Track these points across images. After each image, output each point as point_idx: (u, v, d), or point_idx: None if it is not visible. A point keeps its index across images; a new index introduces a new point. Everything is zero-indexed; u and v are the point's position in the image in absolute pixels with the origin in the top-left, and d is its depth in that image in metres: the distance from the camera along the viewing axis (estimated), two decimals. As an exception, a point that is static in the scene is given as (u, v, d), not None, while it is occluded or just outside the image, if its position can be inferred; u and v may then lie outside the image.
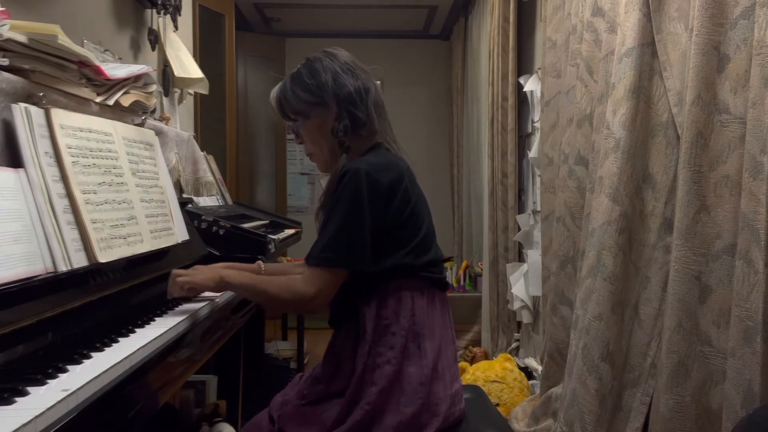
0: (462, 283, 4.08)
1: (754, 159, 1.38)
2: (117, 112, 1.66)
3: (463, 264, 4.21)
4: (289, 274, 1.49)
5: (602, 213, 1.87)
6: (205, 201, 2.64)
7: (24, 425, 0.76)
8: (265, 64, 4.99)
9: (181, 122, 2.89)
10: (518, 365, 3.01)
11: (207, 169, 2.57)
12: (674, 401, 1.60)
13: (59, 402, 0.83)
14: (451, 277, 4.17)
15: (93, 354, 1.04)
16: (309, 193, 5.55)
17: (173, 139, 2.27)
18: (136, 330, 1.21)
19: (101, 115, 1.55)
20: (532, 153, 2.95)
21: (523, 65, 3.35)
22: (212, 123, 3.49)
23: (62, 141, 1.26)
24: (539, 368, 2.71)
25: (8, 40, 1.25)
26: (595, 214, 1.91)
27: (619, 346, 1.86)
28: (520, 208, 3.37)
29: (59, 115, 1.29)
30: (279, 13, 4.91)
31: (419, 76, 5.49)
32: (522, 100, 3.31)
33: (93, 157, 1.37)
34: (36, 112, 1.23)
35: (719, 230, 1.55)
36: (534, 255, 2.92)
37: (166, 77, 2.63)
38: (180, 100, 2.89)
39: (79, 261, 1.21)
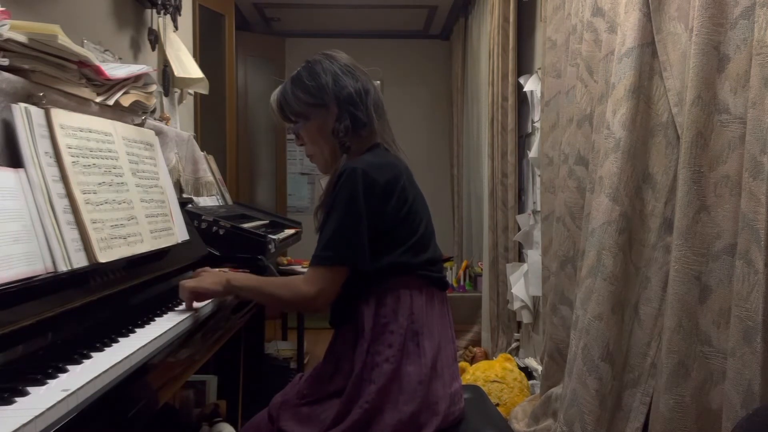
0: (462, 283, 4.08)
1: (754, 159, 1.38)
2: (117, 112, 1.66)
3: (463, 264, 4.21)
4: None
5: (602, 213, 1.87)
6: (205, 201, 2.64)
7: (24, 425, 0.76)
8: (265, 64, 5.00)
9: (181, 122, 2.89)
10: (518, 365, 3.01)
11: (207, 169, 2.57)
12: (674, 401, 1.60)
13: (59, 402, 0.83)
14: (451, 277, 4.17)
15: (93, 354, 1.04)
16: (309, 193, 5.55)
17: (173, 139, 2.27)
18: (136, 330, 1.21)
19: (101, 115, 1.55)
20: (532, 153, 2.95)
21: (523, 65, 3.35)
22: (212, 123, 3.49)
23: (62, 141, 1.26)
24: (539, 368, 2.71)
25: (8, 40, 1.25)
26: (595, 214, 1.91)
27: (619, 346, 1.86)
28: (520, 208, 3.37)
29: (59, 115, 1.29)
30: (279, 13, 4.91)
31: (419, 76, 5.49)
32: (522, 100, 3.31)
33: (93, 157, 1.37)
34: (36, 112, 1.23)
35: (719, 230, 1.55)
36: (534, 255, 2.92)
37: (166, 77, 2.63)
38: (180, 100, 2.89)
39: (79, 261, 1.21)
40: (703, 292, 1.58)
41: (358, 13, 4.89)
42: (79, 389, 0.88)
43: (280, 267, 3.48)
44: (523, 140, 3.38)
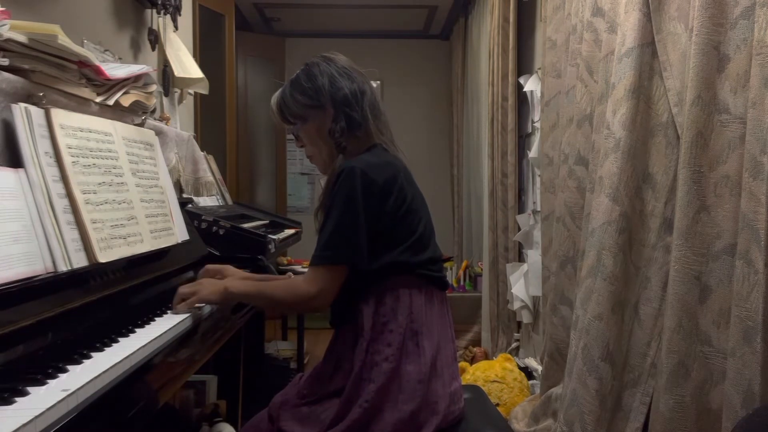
0: (462, 283, 4.08)
1: (754, 159, 1.38)
2: (117, 112, 1.66)
3: (463, 264, 4.21)
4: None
5: (602, 213, 1.87)
6: (205, 201, 2.64)
7: (24, 425, 0.76)
8: (265, 64, 5.00)
9: (181, 122, 2.89)
10: (518, 365, 3.01)
11: (207, 169, 2.57)
12: (674, 401, 1.60)
13: (59, 402, 0.83)
14: (451, 277, 4.17)
15: (93, 354, 1.04)
16: (309, 193, 5.55)
17: (173, 139, 2.27)
18: (136, 330, 1.21)
19: (101, 115, 1.55)
20: (532, 153, 2.95)
21: (523, 65, 3.35)
22: (212, 123, 3.49)
23: (62, 141, 1.26)
24: (539, 368, 2.71)
25: (8, 40, 1.25)
26: (595, 214, 1.91)
27: (619, 346, 1.86)
28: (520, 208, 3.37)
29: (59, 115, 1.29)
30: (279, 13, 4.91)
31: (419, 76, 5.49)
32: (522, 100, 3.31)
33: (93, 157, 1.37)
34: (36, 112, 1.23)
35: (719, 230, 1.55)
36: (534, 255, 2.92)
37: (166, 77, 2.63)
38: (180, 100, 2.89)
39: (79, 261, 1.21)
40: (703, 292, 1.58)
41: (358, 13, 4.89)
42: (79, 389, 0.88)
43: (280, 267, 3.48)
44: (523, 140, 3.37)
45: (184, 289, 1.38)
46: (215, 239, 2.10)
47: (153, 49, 2.60)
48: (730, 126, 1.52)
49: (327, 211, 1.30)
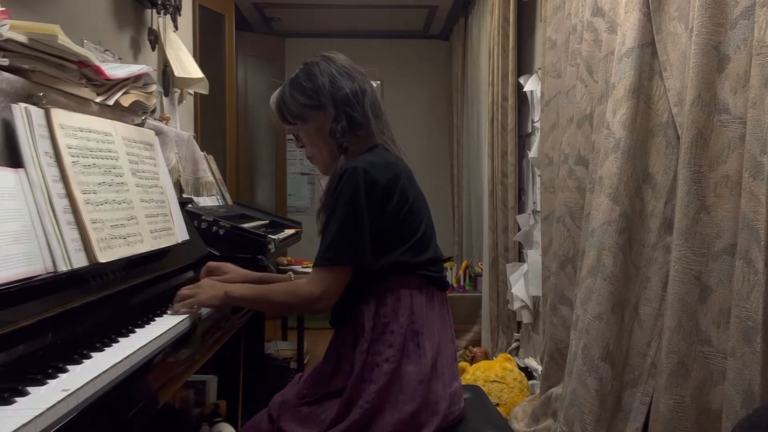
0: (462, 283, 4.08)
1: (754, 159, 1.38)
2: (117, 112, 1.66)
3: (463, 264, 4.21)
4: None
5: (602, 213, 1.87)
6: (205, 201, 2.64)
7: (24, 425, 0.76)
8: (265, 64, 4.99)
9: (181, 122, 2.89)
10: (518, 365, 3.01)
11: (207, 169, 2.57)
12: (674, 401, 1.60)
13: (59, 402, 0.83)
14: (451, 277, 4.17)
15: (93, 354, 1.04)
16: (309, 193, 5.55)
17: (173, 139, 2.27)
18: (136, 330, 1.21)
19: (101, 115, 1.55)
20: (532, 153, 2.95)
21: (523, 65, 3.35)
22: (212, 123, 3.49)
23: (62, 141, 1.26)
24: (539, 368, 2.71)
25: (8, 40, 1.25)
26: (595, 214, 1.91)
27: (619, 346, 1.86)
28: (520, 208, 3.37)
29: (59, 115, 1.29)
30: (279, 13, 4.91)
31: (419, 76, 5.49)
32: (522, 100, 3.31)
33: (93, 157, 1.37)
34: (36, 112, 1.23)
35: (719, 230, 1.55)
36: (534, 255, 2.92)
37: (166, 77, 2.63)
38: (180, 100, 2.89)
39: (79, 261, 1.21)
40: (703, 292, 1.58)
41: (358, 13, 4.89)
42: (79, 389, 0.88)
43: (280, 267, 3.48)
44: (523, 140, 3.37)
45: (184, 291, 1.38)
46: (215, 239, 2.10)
47: (153, 49, 2.60)
48: (730, 126, 1.52)
49: (329, 211, 1.30)
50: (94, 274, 1.27)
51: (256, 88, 4.88)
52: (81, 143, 1.34)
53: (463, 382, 1.63)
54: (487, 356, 3.51)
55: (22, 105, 1.20)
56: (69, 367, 0.96)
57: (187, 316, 1.35)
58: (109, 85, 1.61)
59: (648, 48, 1.79)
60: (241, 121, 4.51)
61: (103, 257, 1.27)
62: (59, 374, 0.93)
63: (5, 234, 1.05)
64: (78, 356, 1.01)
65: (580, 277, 2.02)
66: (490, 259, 3.55)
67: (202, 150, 2.62)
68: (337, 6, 4.68)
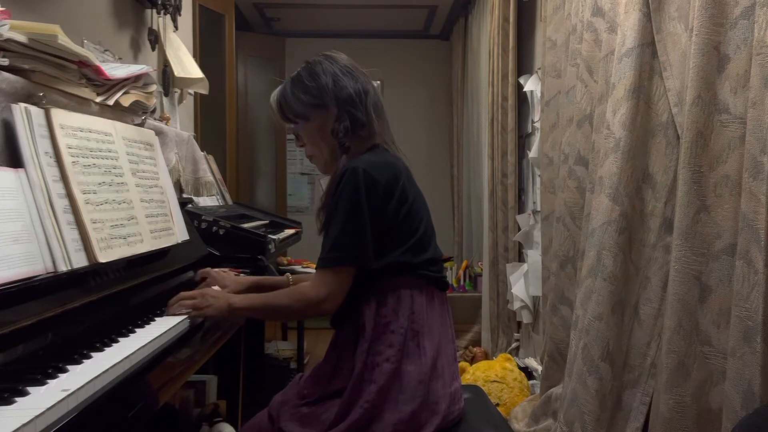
0: (462, 283, 4.08)
1: (754, 159, 1.38)
2: (117, 112, 1.66)
3: (463, 264, 4.21)
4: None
5: (602, 213, 1.87)
6: (205, 201, 2.64)
7: (24, 425, 0.76)
8: (265, 64, 4.99)
9: (181, 122, 2.89)
10: (518, 365, 3.01)
11: (207, 169, 2.57)
12: (674, 401, 1.60)
13: (59, 402, 0.83)
14: (451, 277, 4.17)
15: (93, 354, 1.04)
16: (309, 193, 5.55)
17: (173, 139, 2.27)
18: (136, 330, 1.21)
19: (101, 115, 1.55)
20: (532, 153, 2.94)
21: (523, 65, 3.35)
22: (212, 123, 3.49)
23: (62, 141, 1.26)
24: (539, 368, 2.71)
25: (8, 40, 1.25)
26: (595, 214, 1.91)
27: (619, 346, 1.86)
28: (520, 208, 3.37)
29: (59, 115, 1.29)
30: (279, 13, 4.91)
31: (419, 76, 5.49)
32: (522, 100, 3.31)
33: (93, 157, 1.37)
34: (36, 112, 1.23)
35: (719, 230, 1.55)
36: (534, 255, 2.92)
37: (166, 77, 2.63)
38: (180, 100, 2.89)
39: (79, 261, 1.21)
40: (703, 292, 1.58)
41: (358, 13, 4.89)
42: (79, 389, 0.88)
43: (280, 267, 3.48)
44: (523, 140, 3.38)
45: (186, 300, 1.36)
46: (215, 239, 2.10)
47: (153, 49, 2.60)
48: (730, 126, 1.52)
49: (330, 212, 1.29)
50: (94, 274, 1.27)
51: (256, 88, 4.88)
52: (81, 143, 1.34)
53: (463, 382, 1.63)
54: (487, 356, 3.51)
55: (22, 105, 1.20)
56: (69, 367, 0.96)
57: (187, 316, 1.35)
58: (109, 85, 1.61)
59: (648, 48, 1.79)
60: (241, 121, 4.51)
61: (103, 257, 1.26)
62: (59, 374, 0.93)
63: (5, 234, 1.05)
64: (78, 356, 1.01)
65: (580, 277, 2.02)
66: (490, 259, 3.55)
67: (202, 150, 2.62)
68: (337, 6, 4.68)
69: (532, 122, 3.15)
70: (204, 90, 2.89)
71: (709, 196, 1.56)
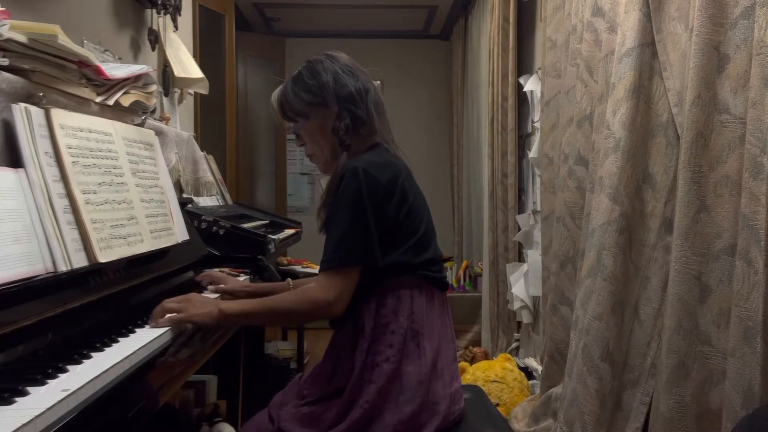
0: (462, 283, 4.08)
1: (754, 159, 1.38)
2: (117, 112, 1.66)
3: (463, 264, 4.21)
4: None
5: (602, 213, 1.87)
6: (205, 201, 2.64)
7: (24, 425, 0.76)
8: (265, 64, 4.99)
9: (181, 122, 2.89)
10: (518, 365, 3.01)
11: (207, 169, 2.57)
12: (674, 401, 1.60)
13: (59, 402, 0.83)
14: (451, 277, 4.17)
15: (93, 354, 1.04)
16: (309, 193, 5.55)
17: (173, 139, 2.27)
18: (136, 330, 1.21)
19: (101, 115, 1.55)
20: (532, 153, 2.95)
21: (523, 65, 3.35)
22: (212, 123, 3.49)
23: (62, 141, 1.26)
24: (539, 368, 2.71)
25: (8, 40, 1.25)
26: (595, 214, 1.91)
27: (619, 346, 1.86)
28: (520, 208, 3.37)
29: (59, 115, 1.29)
30: (279, 13, 4.91)
31: (419, 76, 5.49)
32: (522, 100, 3.31)
33: (93, 157, 1.37)
34: (36, 112, 1.23)
35: (719, 230, 1.55)
36: (534, 255, 2.92)
37: (166, 77, 2.63)
38: (180, 100, 2.89)
39: (79, 261, 1.21)
40: (703, 292, 1.58)
41: (358, 13, 4.89)
42: (79, 389, 0.88)
43: (280, 267, 3.48)
44: (523, 140, 3.38)
45: (170, 304, 1.27)
46: (215, 239, 2.10)
47: (153, 49, 2.60)
48: (730, 126, 1.52)
49: (331, 212, 1.29)
50: (94, 274, 1.27)
51: (256, 88, 4.88)
52: (81, 143, 1.34)
53: (463, 382, 1.63)
54: (487, 356, 3.51)
55: (22, 105, 1.20)
56: (69, 367, 0.96)
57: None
58: (109, 85, 1.61)
59: (648, 48, 1.79)
60: (241, 121, 4.51)
61: (103, 257, 1.26)
62: (59, 374, 0.93)
63: (5, 234, 1.05)
64: (78, 356, 1.01)
65: (580, 277, 2.02)
66: (490, 259, 3.55)
67: (202, 150, 2.62)
68: (337, 6, 4.68)
69: (532, 122, 3.15)
70: (204, 90, 2.89)
71: (709, 196, 1.56)
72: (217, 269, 1.86)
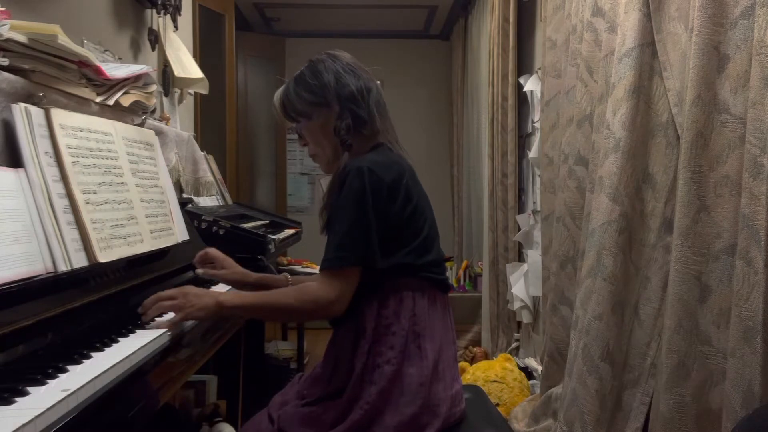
0: (462, 283, 4.08)
1: (754, 159, 1.38)
2: (117, 112, 1.66)
3: (463, 264, 4.21)
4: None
5: (602, 213, 1.87)
6: (205, 201, 2.64)
7: (24, 425, 0.76)
8: (265, 64, 4.99)
9: (181, 122, 2.89)
10: (518, 365, 3.01)
11: (207, 169, 2.57)
12: (674, 401, 1.60)
13: (59, 402, 0.83)
14: (451, 277, 4.17)
15: (93, 354, 1.04)
16: (309, 193, 5.55)
17: (173, 139, 2.27)
18: (136, 330, 1.21)
19: (101, 115, 1.55)
20: (532, 153, 2.95)
21: (523, 65, 3.35)
22: (212, 123, 3.49)
23: (62, 141, 1.26)
24: (539, 368, 2.71)
25: (8, 40, 1.25)
26: (595, 214, 1.91)
27: (619, 346, 1.86)
28: (520, 208, 3.37)
29: (59, 115, 1.29)
30: (279, 13, 4.91)
31: (419, 76, 5.49)
32: (522, 100, 3.31)
33: (93, 157, 1.37)
34: (36, 112, 1.23)
35: (719, 230, 1.55)
36: (534, 255, 2.92)
37: (166, 77, 2.63)
38: (180, 100, 2.89)
39: (79, 261, 1.21)
40: (703, 292, 1.58)
41: (358, 13, 4.89)
42: (79, 389, 0.88)
43: (280, 267, 3.48)
44: (523, 140, 3.38)
45: (164, 303, 1.25)
46: (215, 239, 2.10)
47: (153, 49, 2.60)
48: (730, 126, 1.52)
49: (334, 212, 1.28)
50: (94, 274, 1.27)
51: (256, 88, 4.88)
52: (81, 143, 1.34)
53: (463, 382, 1.62)
54: (487, 356, 3.51)
55: (22, 105, 1.20)
56: (69, 367, 0.96)
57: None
58: (109, 85, 1.61)
59: (648, 48, 1.79)
60: (241, 121, 4.51)
61: (103, 257, 1.26)
62: (59, 374, 0.93)
63: (5, 234, 1.05)
64: (78, 356, 1.01)
65: (580, 277, 2.02)
66: (490, 259, 3.55)
67: (202, 150, 2.62)
68: (337, 6, 4.68)
69: (532, 122, 3.15)
70: (204, 90, 2.89)
71: (709, 196, 1.56)
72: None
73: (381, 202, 1.25)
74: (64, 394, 0.85)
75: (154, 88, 1.85)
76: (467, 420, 1.36)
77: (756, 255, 1.35)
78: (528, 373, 2.97)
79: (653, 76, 1.80)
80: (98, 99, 1.56)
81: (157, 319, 1.28)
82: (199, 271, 1.56)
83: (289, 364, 3.52)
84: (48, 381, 0.90)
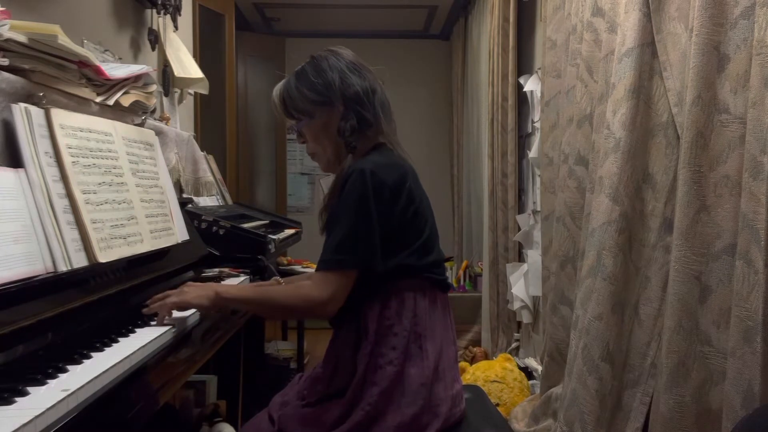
0: (462, 283, 4.08)
1: (754, 159, 1.38)
2: (117, 112, 1.66)
3: (463, 264, 4.21)
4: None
5: (602, 213, 1.87)
6: (205, 201, 2.64)
7: (24, 425, 0.76)
8: (265, 64, 4.99)
9: (181, 122, 2.89)
10: (518, 365, 3.01)
11: (207, 169, 2.57)
12: (674, 401, 1.60)
13: (59, 402, 0.83)
14: (451, 277, 4.17)
15: (93, 354, 1.04)
16: (309, 193, 5.55)
17: (173, 139, 2.27)
18: (136, 330, 1.21)
19: (101, 115, 1.55)
20: (532, 153, 2.94)
21: (523, 65, 3.35)
22: (212, 123, 3.49)
23: (62, 141, 1.26)
24: (539, 368, 2.71)
25: (8, 40, 1.25)
26: (595, 214, 1.91)
27: (619, 346, 1.86)
28: (520, 208, 3.37)
29: (59, 115, 1.29)
30: (279, 13, 4.91)
31: (419, 76, 5.49)
32: (522, 100, 3.31)
33: (93, 157, 1.37)
34: (36, 112, 1.23)
35: (719, 230, 1.55)
36: (534, 255, 2.92)
37: (166, 77, 2.63)
38: (180, 100, 2.89)
39: (79, 261, 1.21)
40: (703, 292, 1.58)
41: (358, 13, 4.89)
42: (79, 389, 0.88)
43: (280, 267, 3.48)
44: (523, 140, 3.37)
45: (170, 299, 1.27)
46: (215, 239, 2.10)
47: (153, 49, 2.60)
48: (730, 126, 1.52)
49: (335, 213, 1.27)
50: (94, 274, 1.27)
51: (256, 88, 4.88)
52: (81, 143, 1.34)
53: (463, 382, 1.63)
54: (487, 356, 3.51)
55: (22, 105, 1.20)
56: (69, 367, 0.96)
57: (191, 313, 1.33)
58: (109, 85, 1.61)
59: (648, 48, 1.79)
60: (241, 121, 4.51)
61: (103, 257, 1.26)
62: (59, 374, 0.93)
63: (5, 234, 1.05)
64: (78, 356, 1.01)
65: (580, 277, 2.02)
66: (490, 259, 3.55)
67: (202, 150, 2.62)
68: (337, 6, 4.68)
69: (532, 122, 3.15)
70: (204, 90, 2.89)
71: (709, 196, 1.56)
72: (216, 269, 1.85)
73: (383, 205, 1.24)
74: (64, 394, 0.85)
75: (154, 88, 1.85)
76: (467, 420, 1.36)
77: (756, 255, 1.35)
78: (528, 373, 2.97)
79: (653, 76, 1.80)
80: (98, 99, 1.56)
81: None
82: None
83: (289, 364, 3.52)
84: (48, 381, 0.90)
